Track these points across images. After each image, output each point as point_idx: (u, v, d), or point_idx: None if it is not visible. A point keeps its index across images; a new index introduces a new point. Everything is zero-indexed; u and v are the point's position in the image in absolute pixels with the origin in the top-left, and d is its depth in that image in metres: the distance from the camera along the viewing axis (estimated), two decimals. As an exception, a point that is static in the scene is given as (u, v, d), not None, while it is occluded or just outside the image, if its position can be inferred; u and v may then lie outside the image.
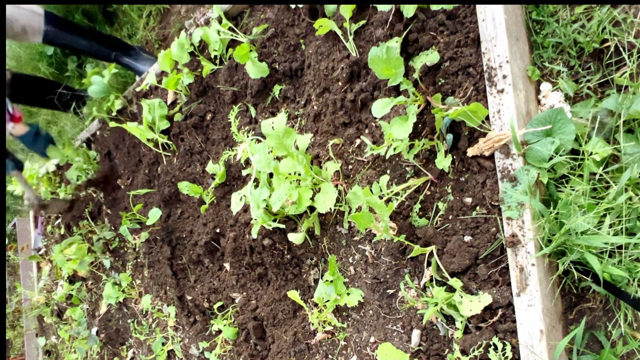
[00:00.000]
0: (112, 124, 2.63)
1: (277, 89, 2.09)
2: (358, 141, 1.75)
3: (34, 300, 3.84)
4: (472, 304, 1.32)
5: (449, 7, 1.47)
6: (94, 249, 3.15)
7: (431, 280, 1.49)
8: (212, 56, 2.33)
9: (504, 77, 1.31)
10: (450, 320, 1.46)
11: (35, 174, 3.69)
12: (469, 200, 1.44)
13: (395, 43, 1.53)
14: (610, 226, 1.18)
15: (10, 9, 2.54)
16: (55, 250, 3.13)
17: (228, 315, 2.24)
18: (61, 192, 3.53)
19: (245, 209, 2.08)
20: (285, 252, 1.97)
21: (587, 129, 1.29)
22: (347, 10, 1.67)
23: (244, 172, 2.08)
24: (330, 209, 1.63)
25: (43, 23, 2.67)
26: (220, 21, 2.26)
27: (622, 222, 1.17)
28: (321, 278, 1.84)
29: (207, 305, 2.37)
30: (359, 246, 1.73)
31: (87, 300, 3.40)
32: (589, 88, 1.38)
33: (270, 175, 1.79)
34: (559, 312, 1.34)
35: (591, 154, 1.24)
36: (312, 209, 1.77)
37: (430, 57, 1.50)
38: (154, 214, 2.53)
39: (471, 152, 1.39)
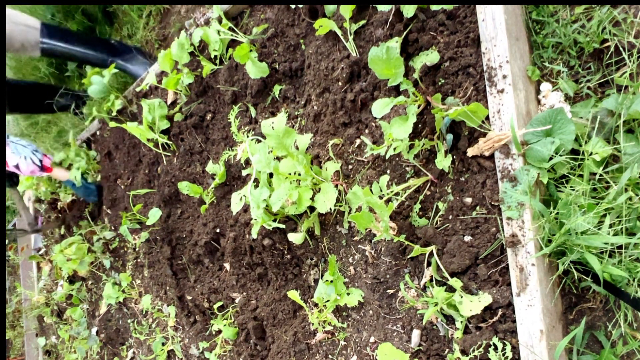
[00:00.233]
0: (112, 124, 2.63)
1: (277, 89, 2.09)
2: (358, 141, 1.75)
3: (34, 300, 3.84)
4: (472, 304, 1.32)
5: (449, 7, 1.47)
6: (94, 249, 3.15)
7: (431, 280, 1.49)
8: (212, 56, 2.33)
9: (504, 77, 1.31)
10: (450, 320, 1.46)
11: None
12: (469, 200, 1.44)
13: (395, 43, 1.53)
14: (610, 226, 1.18)
15: (7, 27, 2.58)
16: (55, 250, 3.13)
17: (228, 315, 2.24)
18: (61, 192, 3.53)
19: (245, 209, 2.08)
20: (285, 252, 1.97)
21: (587, 129, 1.29)
22: (347, 10, 1.67)
23: (244, 172, 2.08)
24: (330, 209, 1.63)
25: (39, 36, 2.72)
26: (220, 21, 2.26)
27: (622, 222, 1.17)
28: (321, 278, 1.84)
29: (207, 305, 2.37)
30: (359, 246, 1.73)
31: (87, 300, 3.40)
32: (589, 88, 1.38)
33: (270, 175, 1.79)
34: (559, 312, 1.34)
35: (591, 154, 1.24)
36: (312, 209, 1.77)
37: (430, 57, 1.50)
38: (154, 214, 2.53)
39: (471, 152, 1.39)
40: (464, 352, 1.38)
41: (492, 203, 1.37)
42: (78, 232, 3.27)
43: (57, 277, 3.58)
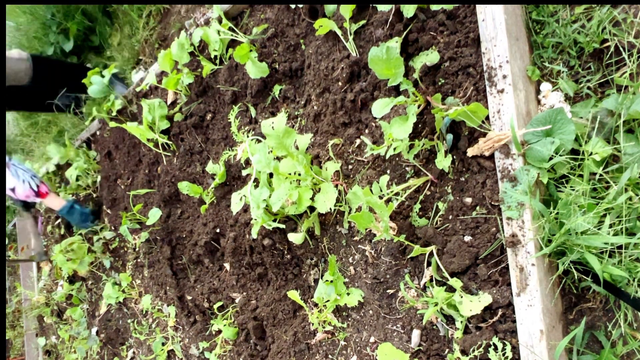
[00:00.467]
0: (112, 124, 2.63)
1: (277, 89, 2.09)
2: (358, 141, 1.75)
3: (34, 300, 3.84)
4: (472, 304, 1.32)
5: (449, 7, 1.47)
6: (94, 249, 3.15)
7: (431, 280, 1.49)
8: (212, 56, 2.33)
9: (504, 77, 1.31)
10: (450, 320, 1.46)
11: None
12: (469, 200, 1.44)
13: (395, 43, 1.53)
14: (610, 226, 1.18)
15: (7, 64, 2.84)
16: (55, 250, 3.13)
17: (228, 315, 2.24)
18: (61, 191, 3.53)
19: (245, 209, 2.08)
20: (285, 252, 1.97)
21: (587, 129, 1.29)
22: (347, 10, 1.67)
23: (244, 172, 2.08)
24: (330, 209, 1.63)
25: (31, 67, 2.99)
26: (220, 21, 2.26)
27: (622, 222, 1.16)
28: (321, 278, 1.84)
29: (207, 305, 2.37)
30: (359, 246, 1.73)
31: (87, 300, 3.40)
32: (589, 88, 1.38)
33: (270, 175, 1.79)
34: (559, 312, 1.34)
35: (591, 154, 1.24)
36: (312, 209, 1.77)
37: (430, 57, 1.50)
38: (154, 214, 2.53)
39: (471, 152, 1.39)
40: (464, 352, 1.38)
41: (492, 203, 1.37)
42: (78, 232, 3.27)
43: (57, 277, 3.59)
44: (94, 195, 3.29)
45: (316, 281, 1.89)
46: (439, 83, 1.49)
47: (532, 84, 1.43)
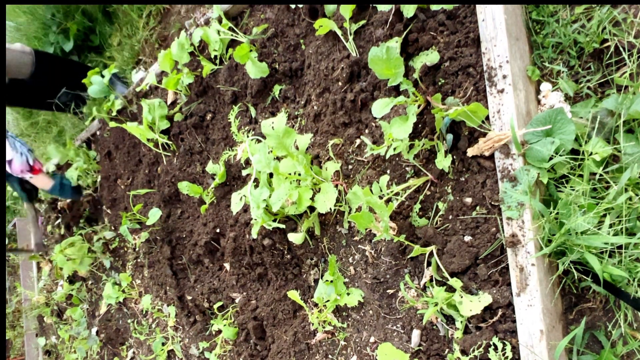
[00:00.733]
0: (112, 124, 2.63)
1: (277, 89, 2.09)
2: (358, 141, 1.75)
3: (34, 300, 3.84)
4: (472, 304, 1.32)
5: (449, 7, 1.47)
6: (94, 249, 3.15)
7: (431, 280, 1.49)
8: (212, 56, 2.33)
9: (504, 77, 1.31)
10: (450, 320, 1.46)
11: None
12: (469, 200, 1.44)
13: (395, 43, 1.53)
14: (610, 226, 1.18)
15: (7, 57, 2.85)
16: (55, 250, 3.13)
17: (228, 315, 2.24)
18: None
19: (245, 209, 2.08)
20: (285, 252, 1.97)
21: (587, 129, 1.29)
22: (347, 10, 1.67)
23: (244, 172, 2.08)
24: (330, 209, 1.63)
25: (33, 62, 3.01)
26: (220, 21, 2.26)
27: (622, 222, 1.17)
28: (321, 278, 1.84)
29: (207, 305, 2.37)
30: (359, 246, 1.73)
31: (87, 300, 3.40)
32: (589, 88, 1.38)
33: (270, 175, 1.79)
34: (559, 312, 1.34)
35: (591, 154, 1.24)
36: (312, 209, 1.77)
37: (430, 57, 1.50)
38: (154, 214, 2.53)
39: (471, 152, 1.39)
40: (464, 352, 1.38)
41: (492, 203, 1.37)
42: (78, 232, 3.27)
43: (57, 277, 3.58)
44: (94, 195, 3.29)
45: (316, 281, 1.89)
46: (439, 83, 1.49)
47: (532, 84, 1.43)
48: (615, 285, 1.20)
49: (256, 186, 1.79)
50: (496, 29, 1.33)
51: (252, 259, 2.05)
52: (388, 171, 1.65)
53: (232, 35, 2.21)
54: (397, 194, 1.59)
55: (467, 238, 1.43)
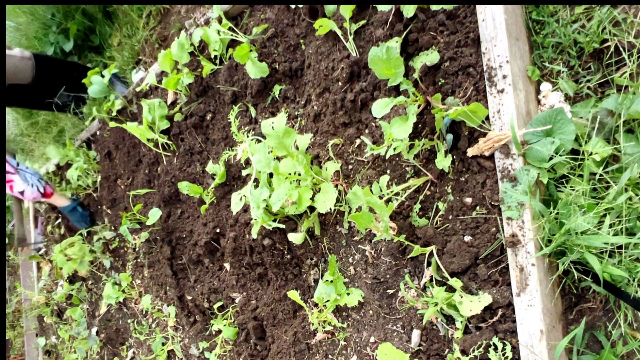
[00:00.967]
0: (112, 124, 2.63)
1: (277, 89, 2.09)
2: (358, 141, 1.75)
3: (34, 300, 3.84)
4: (472, 304, 1.32)
5: (449, 7, 1.47)
6: (94, 249, 3.15)
7: (431, 280, 1.49)
8: (212, 56, 2.33)
9: (504, 77, 1.31)
10: (450, 320, 1.46)
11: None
12: (469, 200, 1.44)
13: (395, 43, 1.53)
14: (610, 226, 1.18)
15: (7, 63, 2.91)
16: (55, 250, 3.13)
17: (228, 315, 2.24)
18: (61, 191, 3.53)
19: (245, 209, 2.08)
20: (285, 252, 1.97)
21: (587, 129, 1.29)
22: (347, 10, 1.67)
23: (244, 172, 2.08)
24: (330, 209, 1.63)
25: (33, 67, 3.06)
26: (220, 21, 2.26)
27: (622, 222, 1.17)
28: (321, 278, 1.84)
29: (207, 305, 2.37)
30: (359, 246, 1.73)
31: (87, 300, 3.40)
32: (589, 88, 1.38)
33: (270, 175, 1.79)
34: (559, 312, 1.34)
35: (591, 154, 1.24)
36: (312, 209, 1.77)
37: (430, 57, 1.50)
38: (154, 214, 2.53)
39: (471, 152, 1.39)
40: (464, 352, 1.38)
41: (492, 203, 1.37)
42: (78, 232, 3.27)
43: (57, 277, 3.58)
44: (94, 195, 3.29)
45: (316, 281, 1.89)
46: (439, 83, 1.49)
47: (532, 84, 1.43)
48: (615, 285, 1.20)
49: (256, 186, 1.79)
50: (496, 29, 1.33)
51: (252, 259, 2.05)
52: (388, 171, 1.65)
53: (232, 35, 2.21)
54: (397, 194, 1.59)
55: (467, 238, 1.43)
